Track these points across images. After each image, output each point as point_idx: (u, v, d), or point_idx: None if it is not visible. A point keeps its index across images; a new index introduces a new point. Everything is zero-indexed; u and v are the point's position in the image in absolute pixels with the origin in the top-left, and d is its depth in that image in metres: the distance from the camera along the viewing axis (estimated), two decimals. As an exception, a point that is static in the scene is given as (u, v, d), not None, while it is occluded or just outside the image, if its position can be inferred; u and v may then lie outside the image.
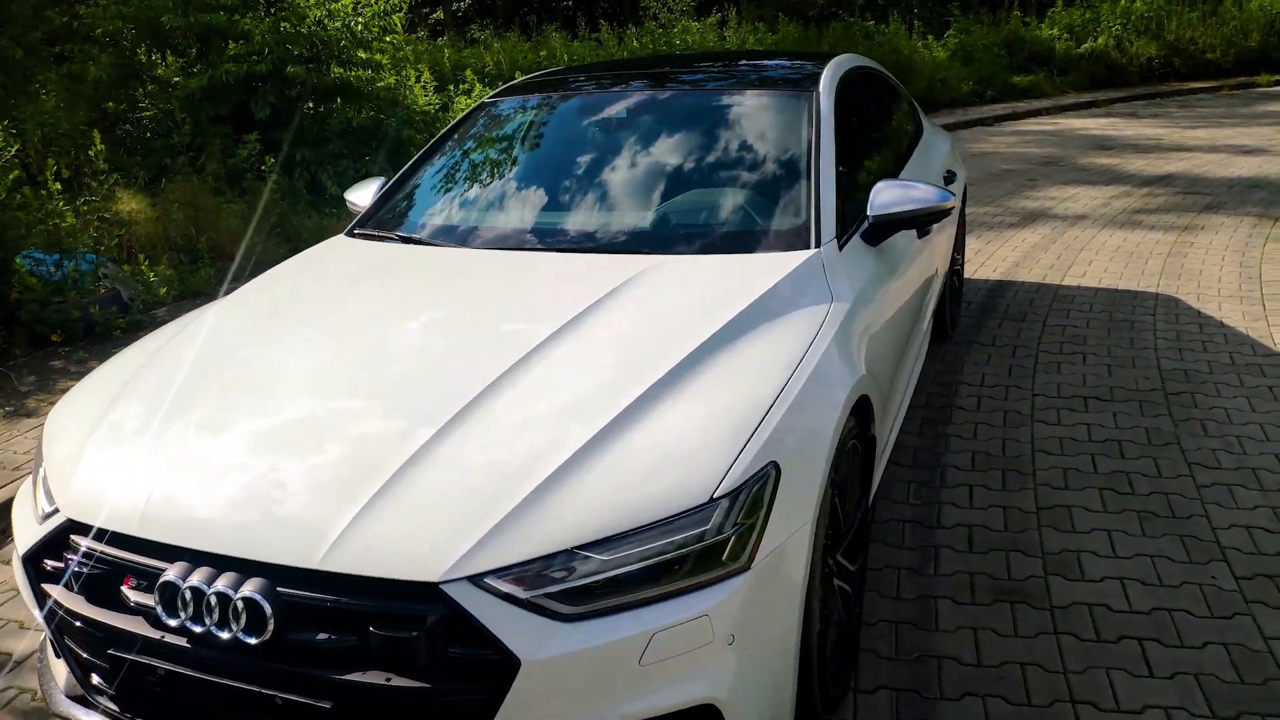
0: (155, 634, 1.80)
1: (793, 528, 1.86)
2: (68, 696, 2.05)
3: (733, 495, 1.77)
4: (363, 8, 8.66)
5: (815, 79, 3.22)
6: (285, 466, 1.90)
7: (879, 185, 2.82)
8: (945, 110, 13.99)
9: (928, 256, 3.60)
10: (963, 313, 5.28)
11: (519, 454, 1.83)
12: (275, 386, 2.19)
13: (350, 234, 3.16)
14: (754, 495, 1.80)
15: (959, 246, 4.91)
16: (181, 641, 1.78)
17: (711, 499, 1.75)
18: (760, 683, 1.83)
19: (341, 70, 8.57)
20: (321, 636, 1.70)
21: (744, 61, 3.95)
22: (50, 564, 1.99)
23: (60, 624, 1.98)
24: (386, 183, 3.39)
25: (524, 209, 3.05)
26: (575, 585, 1.67)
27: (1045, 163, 10.24)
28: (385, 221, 3.18)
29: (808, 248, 2.61)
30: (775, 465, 1.85)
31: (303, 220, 7.26)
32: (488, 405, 1.97)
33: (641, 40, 13.33)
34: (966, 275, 6.04)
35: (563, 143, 3.31)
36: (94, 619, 1.88)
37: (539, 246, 2.79)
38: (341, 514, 1.75)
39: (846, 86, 3.41)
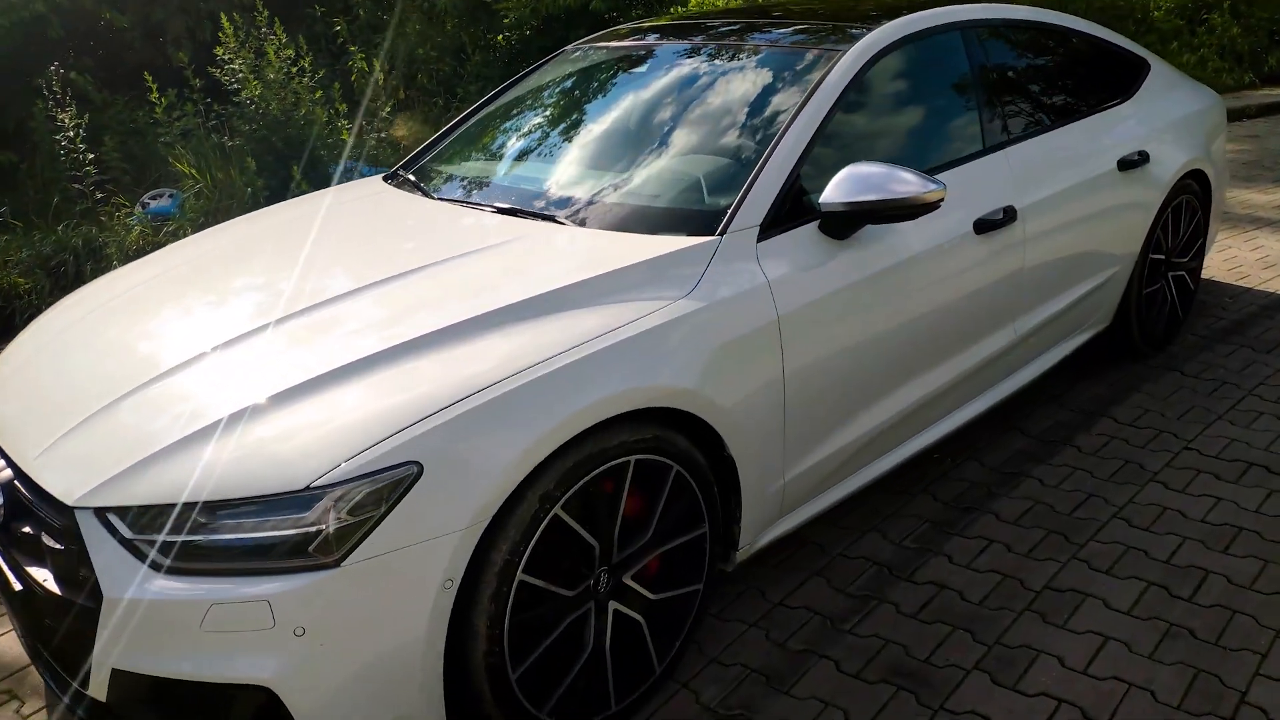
0: None
1: (429, 534, 1.74)
2: None
3: (338, 487, 1.69)
4: None
5: (856, 39, 2.74)
6: (74, 380, 2.16)
7: (846, 169, 2.37)
8: None
9: (1016, 256, 2.94)
10: (1197, 330, 4.22)
11: (202, 401, 1.91)
12: (145, 307, 2.46)
13: (386, 176, 3.33)
14: (373, 492, 1.71)
15: (1178, 248, 3.90)
16: None
17: (308, 488, 1.69)
18: (348, 685, 1.74)
19: (676, 10, 8.77)
20: (26, 530, 1.95)
21: (816, 18, 3.34)
22: None
23: None
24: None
25: (489, 165, 3.02)
26: (171, 539, 1.73)
27: None
28: (407, 165, 3.30)
29: (709, 234, 2.30)
30: (418, 465, 1.73)
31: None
32: (228, 349, 2.06)
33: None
34: (1254, 286, 4.78)
35: (563, 104, 3.18)
36: None
37: (473, 202, 2.75)
38: (62, 427, 1.96)
39: (917, 47, 2.87)
